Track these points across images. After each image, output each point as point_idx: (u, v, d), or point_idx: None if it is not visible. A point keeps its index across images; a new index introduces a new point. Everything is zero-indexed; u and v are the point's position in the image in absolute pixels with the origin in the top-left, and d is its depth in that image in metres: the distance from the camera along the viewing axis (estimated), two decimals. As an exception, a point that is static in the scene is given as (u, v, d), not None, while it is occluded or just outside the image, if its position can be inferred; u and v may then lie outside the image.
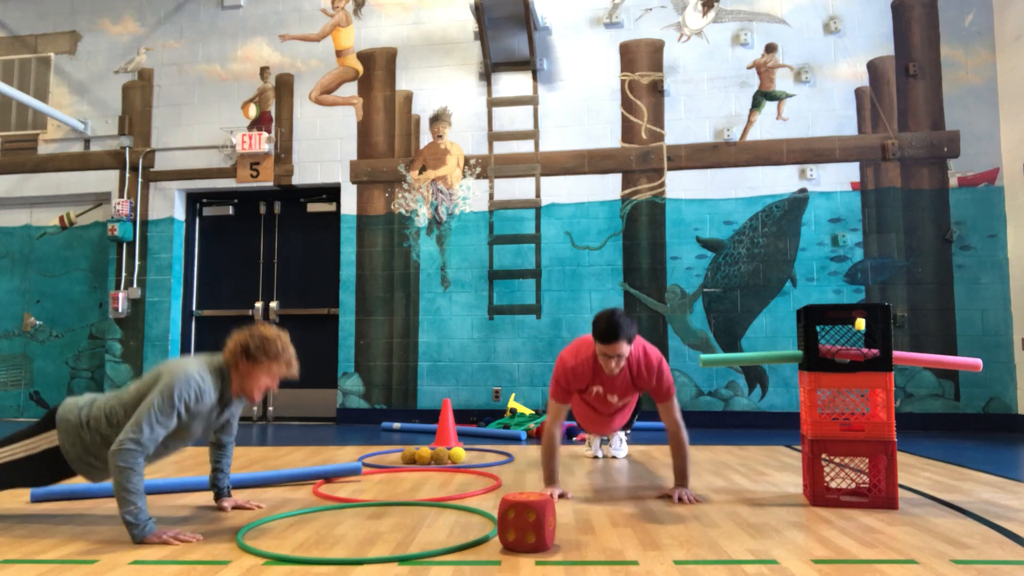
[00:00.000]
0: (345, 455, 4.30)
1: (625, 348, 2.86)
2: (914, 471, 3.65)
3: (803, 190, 5.99)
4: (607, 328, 2.83)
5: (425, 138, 6.52)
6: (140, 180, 6.84)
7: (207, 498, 3.01)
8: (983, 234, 5.75)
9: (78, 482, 2.76)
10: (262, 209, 6.96)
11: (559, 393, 3.08)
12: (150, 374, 2.51)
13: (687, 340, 6.00)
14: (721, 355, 3.11)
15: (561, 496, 2.96)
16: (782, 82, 6.12)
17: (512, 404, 5.76)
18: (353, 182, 6.56)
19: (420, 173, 6.48)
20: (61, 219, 7.13)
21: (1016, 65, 5.63)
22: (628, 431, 4.15)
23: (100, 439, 2.43)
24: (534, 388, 6.11)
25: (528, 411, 5.70)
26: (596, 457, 4.13)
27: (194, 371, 2.43)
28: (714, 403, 5.91)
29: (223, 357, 2.55)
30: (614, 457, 4.11)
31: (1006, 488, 3.18)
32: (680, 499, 2.92)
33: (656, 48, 6.30)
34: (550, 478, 3.00)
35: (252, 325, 2.58)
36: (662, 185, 6.15)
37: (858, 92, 6.03)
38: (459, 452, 3.97)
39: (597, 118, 6.31)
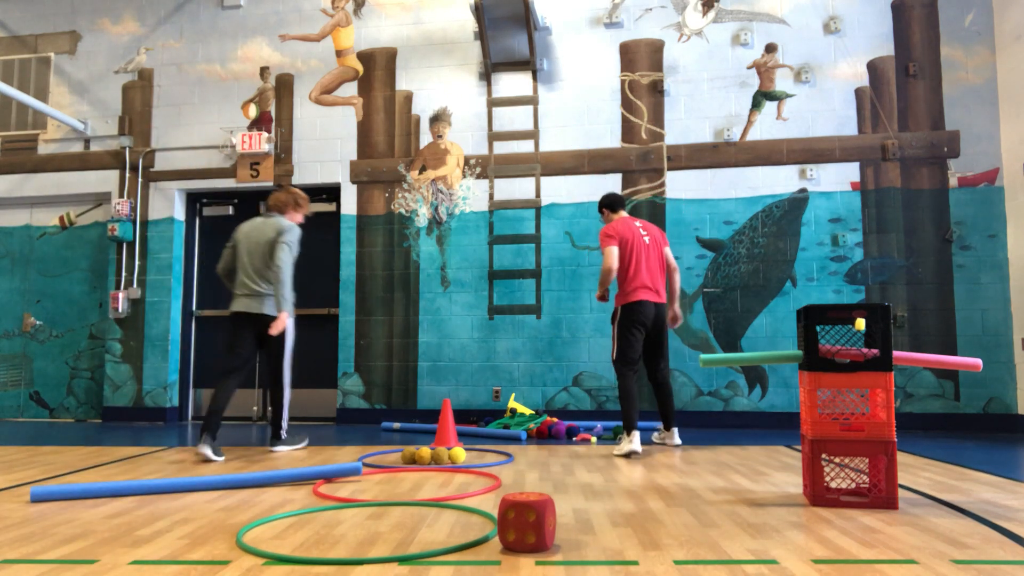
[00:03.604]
0: (345, 455, 4.30)
1: (602, 214, 4.92)
2: (914, 471, 3.65)
3: (803, 190, 5.99)
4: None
5: (425, 138, 6.53)
6: (140, 180, 6.85)
7: (207, 497, 3.01)
8: (983, 234, 5.75)
9: (78, 482, 2.75)
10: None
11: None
12: (258, 232, 4.55)
13: (687, 340, 6.00)
14: (721, 355, 3.12)
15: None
16: (782, 82, 6.12)
17: (512, 404, 5.76)
18: (353, 182, 6.57)
19: (420, 173, 6.48)
20: (61, 219, 7.13)
21: (1016, 65, 5.63)
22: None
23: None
24: (534, 388, 6.11)
25: (528, 411, 5.70)
26: (635, 452, 4.25)
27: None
28: (714, 403, 5.91)
29: (276, 210, 4.67)
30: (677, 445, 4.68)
31: (1006, 488, 3.18)
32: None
33: (656, 48, 6.31)
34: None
35: (282, 188, 4.68)
36: (662, 185, 6.15)
37: (858, 92, 6.03)
38: (459, 452, 3.97)
39: (597, 118, 6.31)
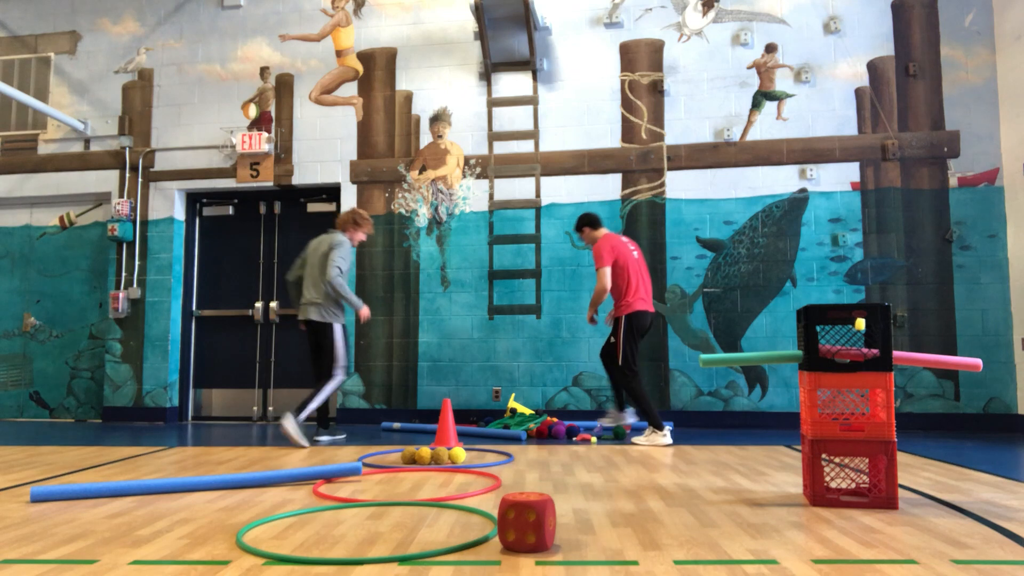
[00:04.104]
0: (345, 455, 4.30)
1: (583, 233, 5.13)
2: (914, 471, 3.65)
3: (803, 190, 5.99)
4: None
5: (425, 138, 6.53)
6: (140, 180, 6.84)
7: (207, 498, 3.01)
8: (983, 234, 5.75)
9: (78, 482, 2.75)
10: (262, 209, 6.96)
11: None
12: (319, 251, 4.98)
13: (687, 340, 6.00)
14: (721, 355, 3.12)
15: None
16: (782, 82, 6.12)
17: (512, 404, 5.76)
18: (353, 182, 6.57)
19: (420, 173, 6.48)
20: (61, 219, 7.13)
21: (1016, 65, 5.63)
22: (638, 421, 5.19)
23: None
24: (534, 388, 6.11)
25: (528, 411, 5.70)
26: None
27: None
28: (714, 403, 5.91)
29: (340, 228, 5.08)
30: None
31: (1006, 488, 3.18)
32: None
33: (656, 48, 6.30)
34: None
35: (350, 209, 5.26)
36: (662, 185, 6.15)
37: (858, 92, 6.03)
38: (459, 452, 3.97)
39: (597, 118, 6.31)
